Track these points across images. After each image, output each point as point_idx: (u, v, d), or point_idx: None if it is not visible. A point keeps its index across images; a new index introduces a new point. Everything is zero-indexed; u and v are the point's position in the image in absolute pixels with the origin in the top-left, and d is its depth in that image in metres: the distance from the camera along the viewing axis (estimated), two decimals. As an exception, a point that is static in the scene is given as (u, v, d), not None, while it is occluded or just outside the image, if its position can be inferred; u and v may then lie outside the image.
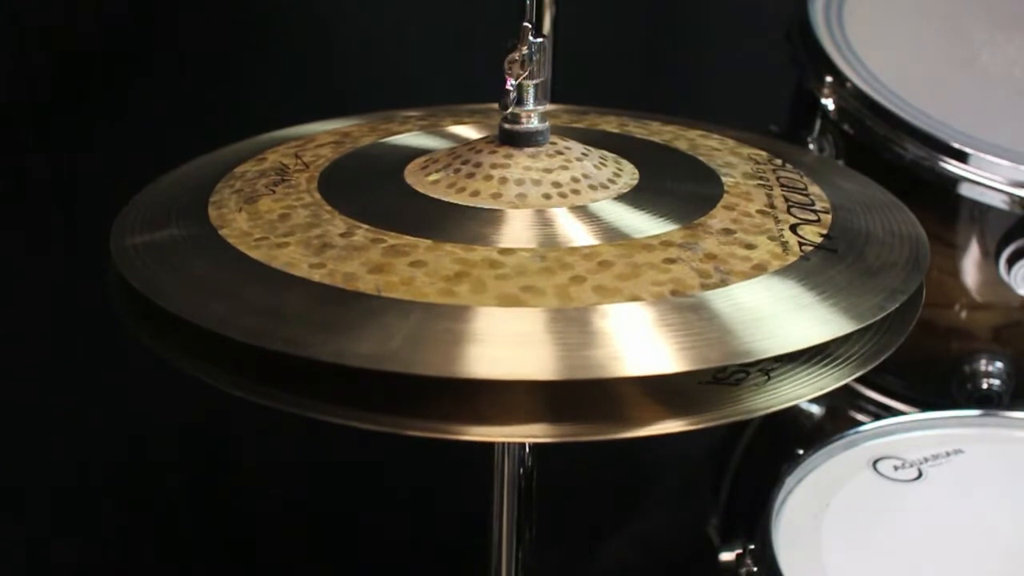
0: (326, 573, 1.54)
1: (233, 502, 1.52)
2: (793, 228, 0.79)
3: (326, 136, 0.92)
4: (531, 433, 0.71)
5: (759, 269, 0.74)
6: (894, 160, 1.13)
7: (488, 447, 0.90)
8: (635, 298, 0.70)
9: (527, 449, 0.90)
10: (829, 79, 1.17)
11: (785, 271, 0.75)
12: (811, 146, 1.17)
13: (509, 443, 0.88)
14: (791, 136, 1.21)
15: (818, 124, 1.18)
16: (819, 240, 0.78)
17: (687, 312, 0.70)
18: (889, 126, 1.13)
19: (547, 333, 0.68)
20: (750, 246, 0.76)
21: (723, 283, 0.72)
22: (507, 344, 0.68)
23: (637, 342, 0.68)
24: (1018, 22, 1.26)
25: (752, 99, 1.46)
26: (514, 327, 0.68)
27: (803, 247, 0.77)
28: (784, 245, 0.77)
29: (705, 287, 0.72)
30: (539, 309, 0.69)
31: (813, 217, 0.81)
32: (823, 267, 0.76)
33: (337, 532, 1.53)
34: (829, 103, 1.17)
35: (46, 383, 1.37)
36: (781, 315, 0.72)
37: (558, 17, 1.12)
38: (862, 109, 1.15)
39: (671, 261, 0.74)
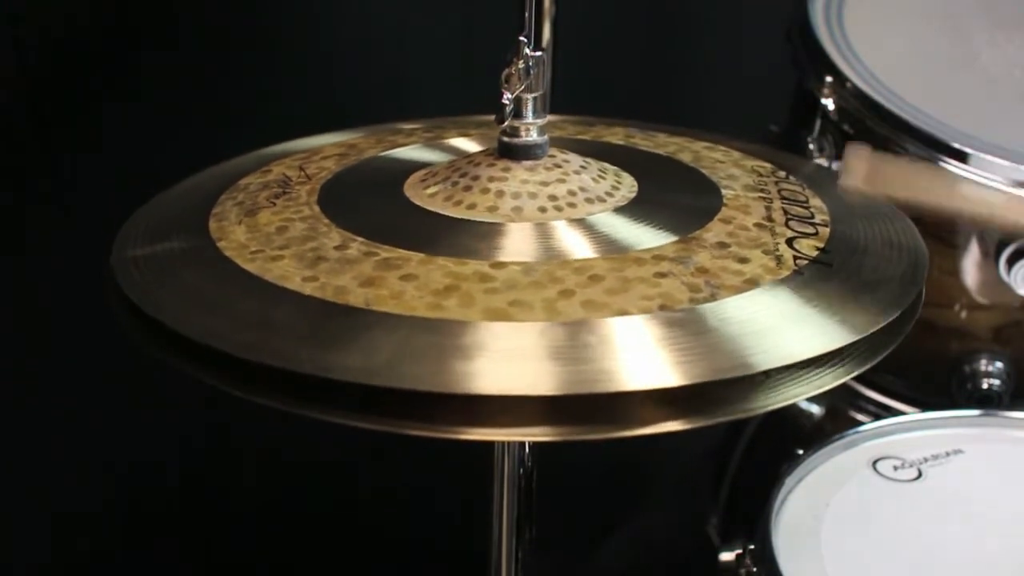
0: (326, 573, 1.54)
1: (233, 502, 1.52)
2: (789, 242, 0.79)
3: (331, 148, 0.92)
4: (531, 433, 0.71)
5: (750, 283, 0.74)
6: (894, 160, 1.13)
7: (488, 447, 0.90)
8: (623, 312, 0.70)
9: (527, 449, 0.90)
10: (829, 79, 1.17)
11: (777, 285, 0.74)
12: (811, 146, 1.17)
13: (509, 443, 0.88)
14: (791, 136, 1.21)
15: (818, 124, 1.18)
16: (814, 254, 0.78)
17: (675, 327, 0.70)
18: (889, 126, 1.13)
19: (534, 348, 0.68)
20: (743, 260, 0.76)
21: (713, 298, 0.72)
22: (493, 359, 0.68)
23: (622, 357, 0.68)
24: (1018, 22, 1.26)
25: (752, 99, 1.46)
26: (501, 342, 0.68)
27: (797, 261, 0.77)
28: (778, 259, 0.77)
29: (694, 301, 0.72)
30: (526, 323, 0.69)
31: (811, 230, 0.81)
32: (816, 281, 0.76)
33: (337, 532, 1.53)
34: (829, 103, 1.17)
35: (46, 383, 1.37)
36: (771, 330, 0.71)
37: (558, 17, 1.12)
38: (862, 109, 1.15)
39: (662, 275, 0.73)
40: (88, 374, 1.37)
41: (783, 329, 0.72)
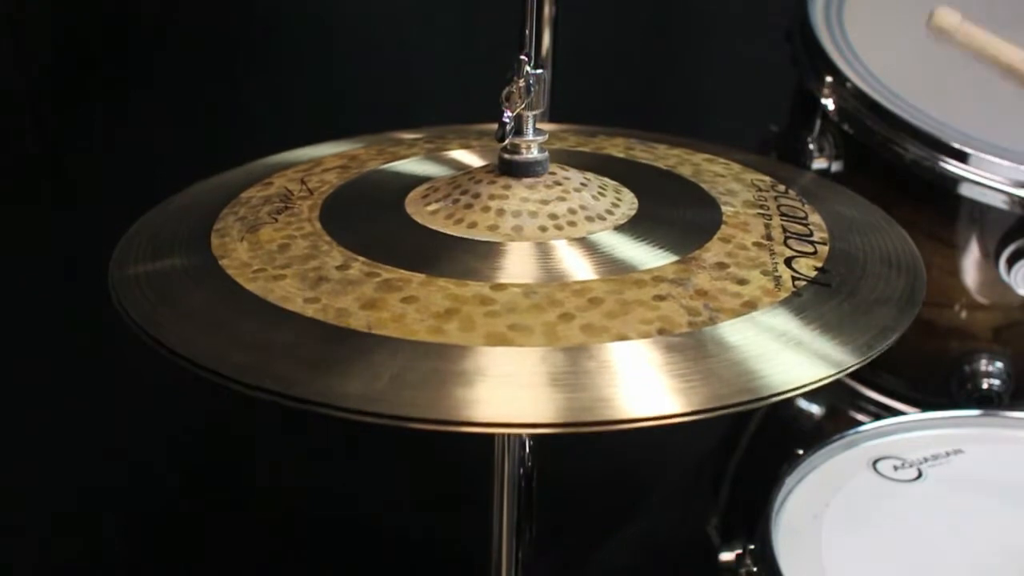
0: (326, 573, 1.54)
1: (233, 503, 1.52)
2: (788, 261, 0.79)
3: (333, 160, 0.92)
4: (530, 425, 0.71)
5: (749, 306, 0.74)
6: (894, 160, 1.13)
7: (488, 446, 0.90)
8: (622, 337, 0.70)
9: (527, 449, 0.90)
10: (829, 79, 1.17)
11: (775, 308, 0.74)
12: (811, 146, 1.17)
13: (509, 441, 0.88)
14: (791, 136, 1.21)
15: (818, 124, 1.18)
16: (813, 274, 0.78)
17: (674, 352, 0.70)
18: (889, 126, 1.13)
19: (533, 374, 0.68)
20: (742, 281, 0.76)
21: (711, 321, 0.72)
22: (493, 385, 0.68)
23: (622, 384, 0.68)
24: (1018, 22, 1.26)
25: (752, 99, 1.46)
26: (501, 368, 0.69)
27: (796, 282, 0.77)
28: (777, 280, 0.77)
29: (693, 325, 0.72)
30: (526, 348, 0.69)
31: (810, 249, 0.81)
32: (814, 303, 0.76)
33: (337, 532, 1.53)
34: (829, 103, 1.17)
35: (46, 383, 1.37)
36: (770, 354, 0.71)
37: (558, 16, 1.12)
38: (862, 109, 1.15)
39: (661, 298, 0.73)
40: (89, 374, 1.37)
41: (782, 353, 0.72)
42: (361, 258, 0.76)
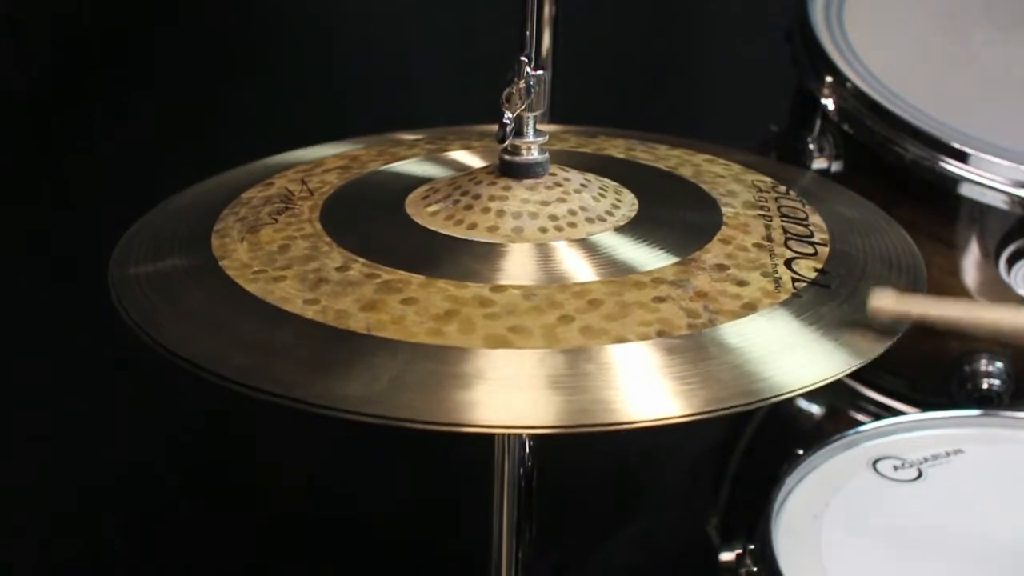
0: (326, 573, 1.54)
1: (233, 502, 1.52)
2: (788, 263, 0.79)
3: (333, 160, 0.92)
4: (530, 425, 0.71)
5: (749, 308, 0.74)
6: (894, 160, 1.13)
7: (489, 446, 0.90)
8: (621, 339, 0.70)
9: (527, 449, 0.90)
10: (829, 79, 1.17)
11: (775, 309, 0.74)
12: (811, 146, 1.18)
13: (509, 441, 0.88)
14: (791, 136, 1.21)
15: (818, 124, 1.18)
16: (813, 275, 0.78)
17: (674, 354, 0.70)
18: (889, 126, 1.13)
19: (533, 376, 0.68)
20: (742, 283, 0.76)
21: (711, 323, 0.72)
22: (492, 388, 0.68)
23: (621, 386, 0.68)
24: (1018, 22, 1.26)
25: (752, 99, 1.46)
26: (500, 370, 0.69)
27: (796, 283, 0.77)
28: (777, 282, 0.77)
29: (692, 327, 0.72)
30: (525, 351, 0.69)
31: (810, 250, 0.81)
32: (814, 305, 0.76)
33: (337, 532, 1.53)
34: (829, 103, 1.17)
35: (46, 383, 1.37)
36: (770, 356, 0.72)
37: (559, 18, 1.12)
38: (862, 109, 1.15)
39: (660, 300, 0.73)
40: (89, 374, 1.37)
41: (782, 355, 0.72)
42: (361, 259, 0.76)
